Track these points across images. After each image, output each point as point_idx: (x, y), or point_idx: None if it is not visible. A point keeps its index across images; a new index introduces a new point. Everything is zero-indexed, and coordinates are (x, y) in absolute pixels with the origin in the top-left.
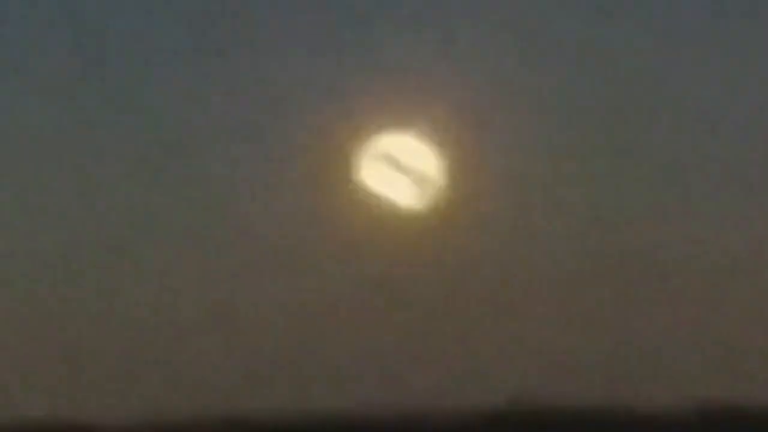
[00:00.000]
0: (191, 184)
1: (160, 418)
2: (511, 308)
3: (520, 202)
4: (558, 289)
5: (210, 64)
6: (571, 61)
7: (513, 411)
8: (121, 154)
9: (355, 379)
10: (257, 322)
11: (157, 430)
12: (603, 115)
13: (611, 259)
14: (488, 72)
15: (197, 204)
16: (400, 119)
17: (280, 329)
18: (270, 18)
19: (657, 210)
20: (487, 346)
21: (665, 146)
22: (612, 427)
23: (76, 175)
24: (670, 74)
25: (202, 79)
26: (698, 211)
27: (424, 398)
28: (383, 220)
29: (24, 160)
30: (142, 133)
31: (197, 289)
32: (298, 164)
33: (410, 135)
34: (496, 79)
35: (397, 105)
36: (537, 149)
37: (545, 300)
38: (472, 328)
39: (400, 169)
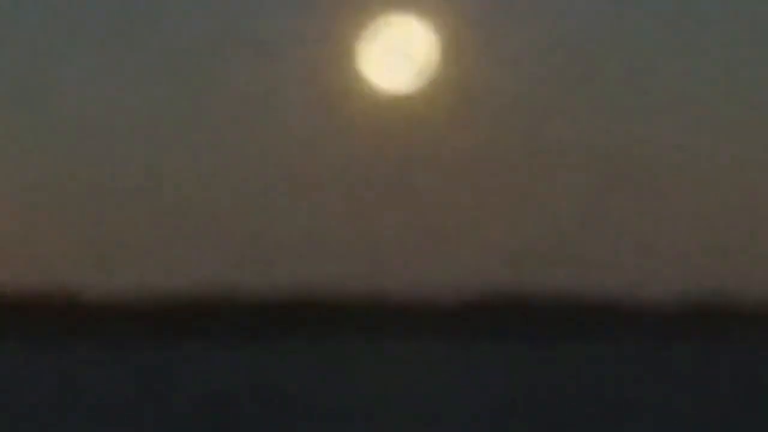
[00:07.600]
0: (202, 75)
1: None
2: (506, 190)
3: (517, 84)
4: (551, 173)
5: None
6: None
7: (502, 299)
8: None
9: (345, 259)
10: (254, 199)
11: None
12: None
13: (605, 149)
14: None
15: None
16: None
17: (277, 207)
18: None
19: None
20: (482, 230)
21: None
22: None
23: None
24: None
25: None
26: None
27: (414, 282)
28: (379, 102)
29: None
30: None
31: (199, 159)
32: (297, 49)
33: (407, 16)
34: None
35: None
36: (535, 32)
37: (539, 182)
38: (467, 210)
39: (397, 52)
